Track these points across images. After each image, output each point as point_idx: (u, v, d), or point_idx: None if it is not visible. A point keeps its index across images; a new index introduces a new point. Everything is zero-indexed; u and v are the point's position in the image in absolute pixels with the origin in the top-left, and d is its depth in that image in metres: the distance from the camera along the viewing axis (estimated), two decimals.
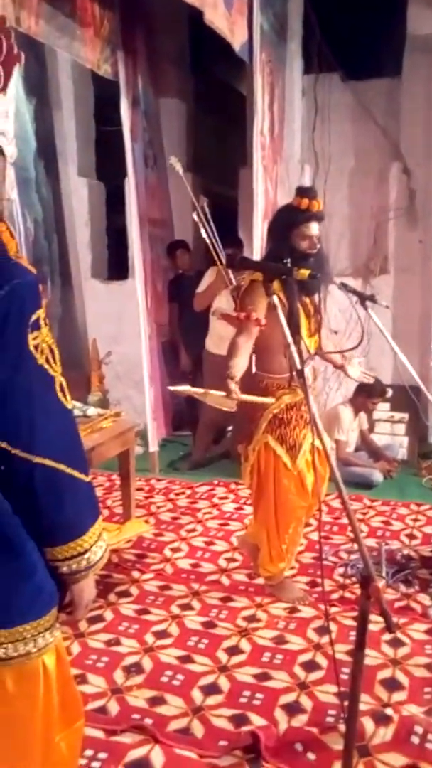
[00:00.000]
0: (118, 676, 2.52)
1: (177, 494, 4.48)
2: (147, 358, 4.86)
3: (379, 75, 5.45)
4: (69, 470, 1.25)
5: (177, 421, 5.73)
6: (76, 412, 3.56)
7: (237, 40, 4.11)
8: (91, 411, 3.66)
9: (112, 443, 3.50)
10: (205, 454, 5.21)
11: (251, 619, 2.92)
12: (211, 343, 5.00)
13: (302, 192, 2.81)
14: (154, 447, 4.96)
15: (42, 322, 1.24)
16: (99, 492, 4.48)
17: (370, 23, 5.14)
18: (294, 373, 1.71)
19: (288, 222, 2.79)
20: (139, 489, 4.44)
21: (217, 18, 3.77)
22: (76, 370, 5.89)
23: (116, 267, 6.44)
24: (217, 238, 4.31)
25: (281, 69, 5.20)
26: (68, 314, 6.02)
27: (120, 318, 5.66)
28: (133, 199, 4.78)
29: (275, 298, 1.83)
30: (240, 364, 2.62)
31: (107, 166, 6.16)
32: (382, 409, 5.15)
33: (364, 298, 3.01)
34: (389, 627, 1.40)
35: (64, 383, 1.29)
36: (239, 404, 2.54)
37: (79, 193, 6.06)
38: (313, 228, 2.77)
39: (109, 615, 2.95)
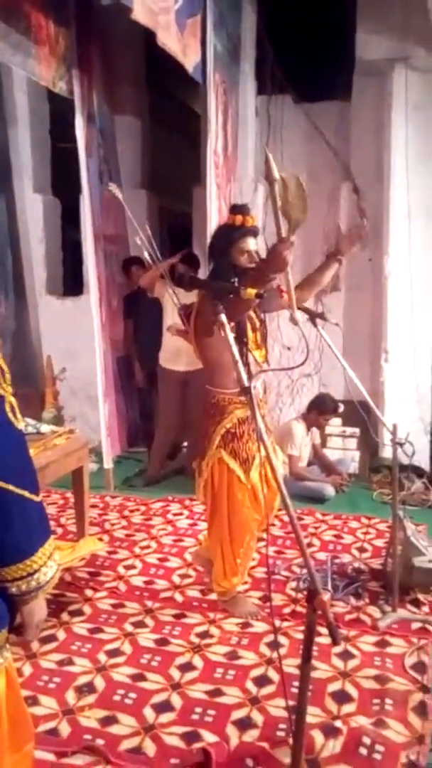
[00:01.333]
0: (70, 696, 2.50)
1: (131, 511, 4.47)
2: (101, 374, 4.86)
3: (329, 97, 5.58)
4: (18, 490, 1.25)
5: (132, 437, 5.72)
6: (30, 429, 3.54)
7: (190, 61, 4.18)
8: (45, 428, 3.64)
9: (65, 460, 3.48)
10: (160, 471, 5.22)
11: (204, 635, 2.93)
12: (164, 359, 5.03)
13: (236, 209, 2.90)
14: (108, 464, 4.94)
15: None
16: (52, 510, 4.45)
17: (321, 47, 5.27)
18: (242, 389, 1.73)
19: (225, 239, 2.87)
20: (94, 506, 4.42)
21: (169, 40, 3.83)
22: (31, 386, 5.85)
23: (71, 283, 6.43)
24: (158, 258, 4.33)
25: (234, 89, 5.28)
26: (22, 330, 5.97)
27: (75, 334, 5.64)
28: (88, 216, 4.80)
29: (223, 316, 1.87)
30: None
31: (63, 182, 6.16)
32: (334, 424, 5.24)
33: (314, 316, 3.08)
34: (335, 640, 1.43)
35: (15, 403, 1.29)
36: (195, 422, 2.55)
37: (34, 209, 6.04)
38: (250, 243, 2.85)
39: (61, 634, 2.93)
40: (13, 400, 1.29)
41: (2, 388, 1.27)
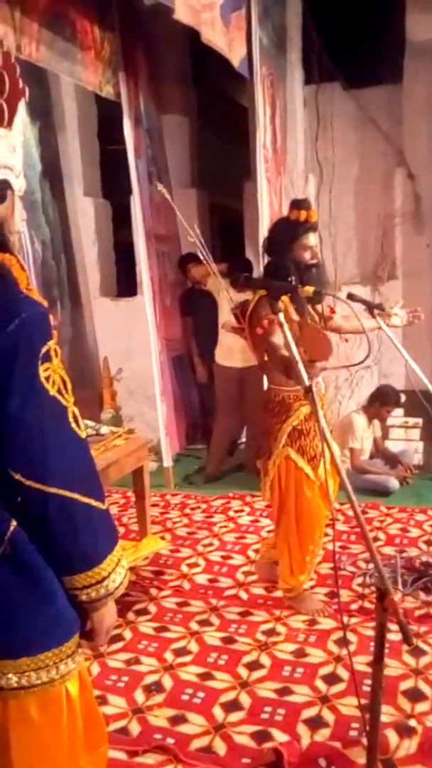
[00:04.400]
0: (139, 695, 2.51)
1: (192, 509, 4.48)
2: (158, 374, 4.88)
3: (379, 82, 5.45)
4: (84, 499, 1.26)
5: (191, 434, 5.73)
6: (89, 431, 3.57)
7: (236, 56, 4.14)
8: (104, 429, 3.67)
9: (126, 461, 3.50)
10: (220, 467, 5.22)
11: (270, 633, 2.91)
12: (219, 355, 5.03)
13: (298, 204, 2.85)
14: (168, 462, 4.97)
15: (53, 353, 1.25)
16: (114, 509, 4.49)
17: (369, 31, 5.16)
18: (303, 389, 1.70)
19: (288, 235, 2.83)
20: (155, 505, 4.44)
21: (214, 36, 3.80)
22: (89, 388, 5.92)
23: (124, 284, 6.48)
24: (209, 257, 4.31)
25: (282, 81, 5.22)
26: (79, 333, 6.05)
27: (130, 334, 5.68)
28: (139, 217, 4.82)
29: (281, 316, 1.84)
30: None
31: (112, 184, 6.21)
32: (396, 415, 5.12)
33: (371, 307, 3.01)
34: (407, 640, 1.39)
35: (77, 413, 1.30)
36: (258, 418, 2.53)
37: (86, 213, 6.10)
38: (312, 238, 2.83)
39: (128, 634, 2.94)
40: (75, 410, 1.30)
41: (65, 399, 1.27)
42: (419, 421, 5.17)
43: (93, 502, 1.28)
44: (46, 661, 1.28)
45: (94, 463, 1.34)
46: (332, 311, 3.00)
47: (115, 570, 1.33)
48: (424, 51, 5.04)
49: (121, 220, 6.27)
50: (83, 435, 1.30)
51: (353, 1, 5.26)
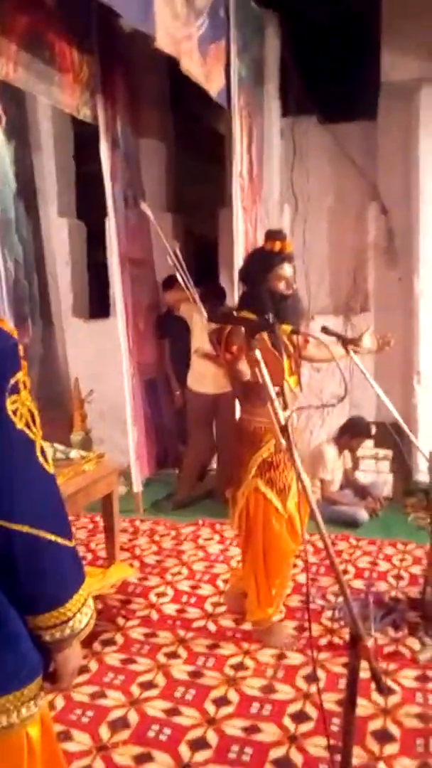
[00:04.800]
0: (104, 731, 2.45)
1: (161, 536, 4.43)
2: (130, 397, 4.85)
3: (354, 118, 5.55)
4: (50, 536, 1.22)
5: (161, 459, 5.69)
6: (58, 455, 3.52)
7: (214, 87, 4.18)
8: (74, 453, 3.62)
9: (95, 486, 3.46)
10: (190, 494, 5.17)
11: (239, 667, 2.87)
12: (192, 381, 5.02)
13: (273, 235, 2.87)
14: (138, 487, 4.92)
15: (21, 386, 1.23)
16: (82, 534, 4.42)
17: (346, 68, 5.25)
18: (279, 428, 1.68)
19: (263, 265, 2.84)
20: (123, 530, 4.38)
21: (192, 66, 3.83)
22: (59, 409, 5.84)
23: (97, 305, 6.44)
24: (190, 281, 4.31)
25: (259, 112, 5.28)
26: (49, 353, 5.99)
27: (102, 356, 5.64)
28: (114, 239, 4.81)
29: (258, 354, 1.83)
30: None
31: (87, 205, 6.19)
32: (367, 446, 5.15)
33: (346, 341, 3.03)
34: (380, 689, 1.37)
35: (45, 446, 1.27)
36: (229, 445, 2.51)
37: (60, 233, 6.07)
38: (287, 269, 2.83)
39: (94, 665, 2.89)
40: (44, 444, 1.27)
41: (33, 432, 1.24)
42: (389, 452, 5.20)
43: (59, 540, 1.24)
44: (7, 705, 1.23)
45: (61, 499, 1.31)
46: (306, 340, 3.00)
47: (81, 610, 1.29)
48: (398, 91, 5.15)
49: (95, 241, 6.24)
50: (51, 470, 1.27)
51: (330, 38, 5.35)
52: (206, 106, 6.16)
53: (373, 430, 4.85)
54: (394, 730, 2.42)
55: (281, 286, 2.82)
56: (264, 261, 2.85)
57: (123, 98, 5.03)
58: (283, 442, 1.65)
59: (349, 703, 1.45)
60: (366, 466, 5.25)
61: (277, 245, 2.82)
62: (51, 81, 3.94)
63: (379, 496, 4.87)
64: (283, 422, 1.69)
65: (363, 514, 4.59)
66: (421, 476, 4.83)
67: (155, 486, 5.46)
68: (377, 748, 2.32)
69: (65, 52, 4.07)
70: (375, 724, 2.44)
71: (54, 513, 1.26)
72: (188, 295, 4.38)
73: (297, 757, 2.29)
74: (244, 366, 2.66)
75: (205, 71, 4.07)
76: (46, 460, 1.26)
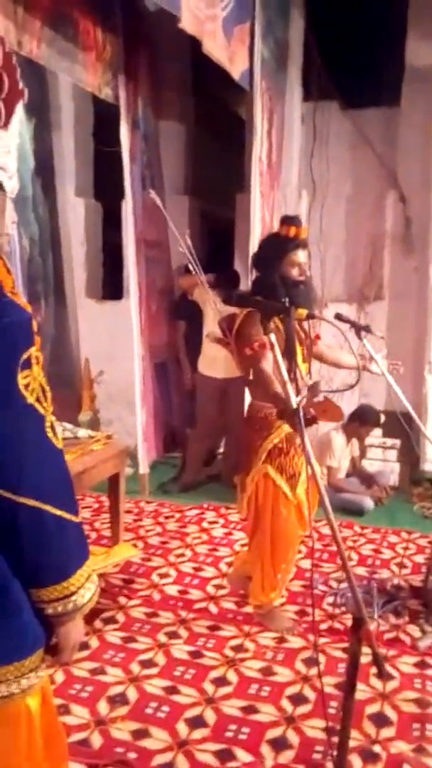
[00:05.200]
0: (102, 706, 2.47)
1: (166, 518, 4.45)
2: (139, 379, 4.85)
3: (377, 104, 5.50)
4: (56, 511, 1.23)
5: (169, 442, 5.70)
6: (67, 434, 3.54)
7: (237, 69, 4.14)
8: (82, 433, 3.63)
9: (102, 466, 3.47)
10: (196, 477, 5.19)
11: (239, 648, 2.89)
12: (202, 365, 5.02)
13: (288, 220, 2.84)
14: (144, 469, 4.93)
15: (33, 361, 1.23)
16: (87, 514, 4.45)
17: (370, 53, 5.19)
18: (291, 411, 1.68)
19: (277, 251, 2.81)
20: (128, 511, 4.41)
21: (215, 48, 3.79)
22: (68, 388, 5.87)
23: (111, 287, 6.44)
24: (200, 268, 4.26)
25: (281, 96, 5.24)
26: (61, 333, 6.00)
27: (113, 338, 5.64)
28: (130, 221, 4.80)
29: (273, 337, 1.82)
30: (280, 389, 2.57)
31: (105, 186, 6.18)
32: (375, 435, 5.14)
33: (359, 328, 3.01)
34: (381, 674, 1.37)
35: (55, 422, 1.27)
36: (237, 431, 2.52)
37: (76, 213, 6.07)
38: (301, 255, 2.81)
39: (94, 642, 2.91)
40: (53, 419, 1.27)
41: (44, 408, 1.25)
42: (397, 442, 5.19)
43: (66, 515, 1.25)
44: (7, 675, 1.25)
45: (69, 475, 1.31)
46: (317, 337, 2.99)
47: (85, 585, 1.30)
48: (423, 76, 5.10)
49: (111, 222, 6.23)
50: (60, 445, 1.28)
51: (355, 22, 5.29)
52: (227, 90, 6.13)
53: (382, 419, 4.83)
54: (392, 714, 2.43)
55: (294, 272, 2.79)
56: (278, 246, 2.82)
57: (145, 79, 5.00)
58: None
59: (349, 685, 1.46)
60: (373, 455, 5.25)
61: (292, 231, 2.79)
62: (74, 59, 3.93)
63: (385, 485, 4.87)
64: (294, 406, 1.69)
65: (369, 503, 4.59)
66: (429, 466, 4.83)
67: (162, 468, 5.48)
68: (374, 731, 2.33)
69: (89, 30, 4.04)
70: (372, 708, 2.45)
71: (61, 488, 1.27)
72: (199, 281, 4.36)
73: (294, 738, 2.31)
74: (267, 364, 2.64)
75: (229, 53, 4.03)
76: (55, 435, 1.27)
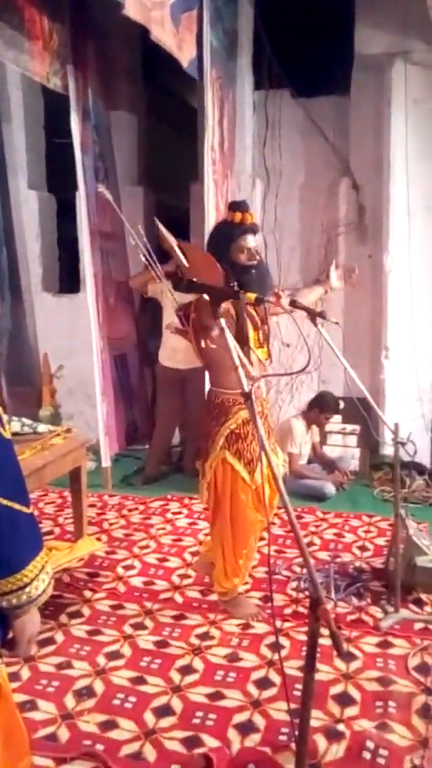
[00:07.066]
0: (69, 700, 2.47)
1: (130, 510, 4.44)
2: (99, 373, 4.82)
3: (328, 92, 5.53)
4: (7, 502, 1.22)
5: (131, 434, 5.68)
6: (26, 429, 3.50)
7: (185, 56, 4.12)
8: (42, 428, 3.60)
9: (63, 460, 3.44)
10: (159, 469, 5.19)
11: (204, 636, 2.90)
12: (163, 356, 5.01)
13: (235, 206, 2.87)
14: (106, 462, 4.91)
15: None
16: (50, 509, 4.41)
17: (319, 42, 5.22)
18: (242, 394, 1.69)
19: (225, 237, 2.84)
20: (92, 505, 4.38)
21: (164, 35, 3.77)
22: (28, 384, 5.81)
23: (67, 280, 6.38)
24: (154, 259, 4.24)
25: (231, 85, 5.23)
26: (18, 328, 5.93)
27: (71, 331, 5.60)
28: (84, 213, 4.75)
29: (222, 321, 1.83)
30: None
31: (58, 178, 6.10)
32: (334, 421, 5.20)
33: (314, 315, 3.03)
34: (339, 650, 1.39)
35: (2, 413, 1.26)
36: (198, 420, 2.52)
37: (30, 206, 5.99)
38: (250, 240, 2.82)
39: (60, 637, 2.89)
40: (0, 410, 1.26)
41: None
42: (356, 427, 5.26)
43: (16, 506, 1.24)
44: None
45: (19, 466, 1.30)
46: (277, 295, 2.97)
47: (38, 576, 1.29)
48: (371, 64, 5.15)
49: (65, 215, 6.17)
50: (8, 435, 1.26)
51: (304, 11, 5.31)
52: (178, 79, 6.10)
53: (342, 405, 4.89)
54: (355, 693, 2.47)
55: (243, 257, 2.81)
56: (226, 232, 2.85)
57: (94, 69, 4.95)
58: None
59: (309, 663, 1.48)
60: (334, 441, 5.31)
61: (238, 216, 2.81)
62: (20, 48, 3.87)
63: (346, 470, 4.94)
64: (246, 390, 1.70)
65: (330, 488, 4.64)
66: (388, 450, 4.90)
67: (124, 462, 5.46)
68: (338, 710, 2.37)
69: (35, 18, 3.99)
70: (336, 689, 2.49)
71: (11, 479, 1.25)
72: (153, 275, 4.33)
73: (260, 722, 2.33)
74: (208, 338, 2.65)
75: (177, 41, 4.01)
76: (3, 427, 1.25)
